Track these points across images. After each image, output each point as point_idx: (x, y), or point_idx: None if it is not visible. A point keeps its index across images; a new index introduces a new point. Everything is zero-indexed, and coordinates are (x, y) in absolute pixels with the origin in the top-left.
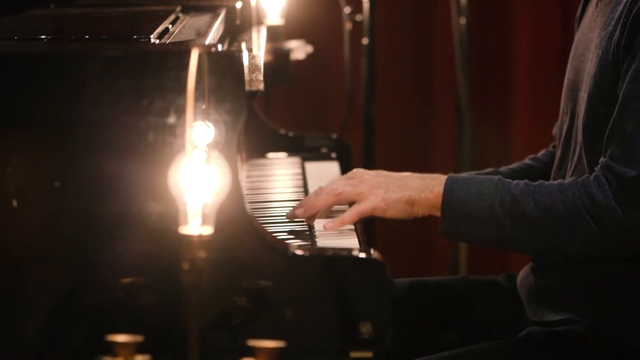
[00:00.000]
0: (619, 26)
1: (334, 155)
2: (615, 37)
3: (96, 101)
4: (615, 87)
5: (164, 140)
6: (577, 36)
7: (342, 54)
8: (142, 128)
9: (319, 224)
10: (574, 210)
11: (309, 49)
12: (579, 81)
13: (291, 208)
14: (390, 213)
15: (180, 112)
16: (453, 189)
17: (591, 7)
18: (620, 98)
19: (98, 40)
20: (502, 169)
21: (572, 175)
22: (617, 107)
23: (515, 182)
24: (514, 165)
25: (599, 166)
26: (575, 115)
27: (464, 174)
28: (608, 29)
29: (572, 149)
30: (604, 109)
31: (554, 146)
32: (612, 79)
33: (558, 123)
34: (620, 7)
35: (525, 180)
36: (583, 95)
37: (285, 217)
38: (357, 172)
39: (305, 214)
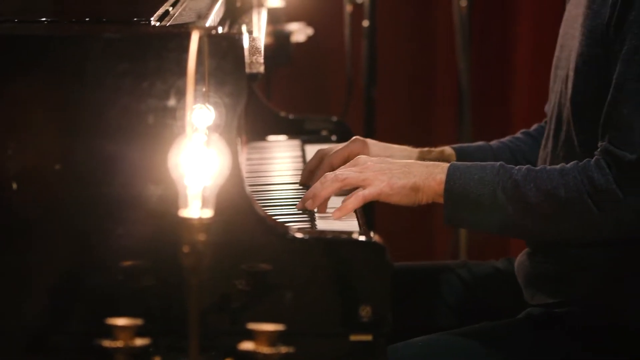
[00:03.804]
0: (609, 5)
1: (334, 137)
2: (605, 17)
3: (97, 83)
4: (604, 66)
5: (164, 122)
6: (565, 14)
7: (343, 36)
8: (142, 110)
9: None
10: (575, 194)
11: (310, 31)
12: (565, 59)
13: (291, 191)
14: (395, 198)
15: (181, 94)
16: (455, 176)
17: None
18: (614, 81)
19: (98, 22)
20: (493, 142)
21: (558, 154)
22: (611, 90)
23: (517, 167)
24: (505, 139)
25: (598, 150)
26: (562, 94)
27: (463, 163)
28: (594, 7)
29: (558, 128)
30: (593, 88)
31: (546, 122)
32: (603, 58)
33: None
34: None
35: (527, 165)
36: (570, 74)
37: (285, 201)
38: (361, 158)
39: (314, 205)
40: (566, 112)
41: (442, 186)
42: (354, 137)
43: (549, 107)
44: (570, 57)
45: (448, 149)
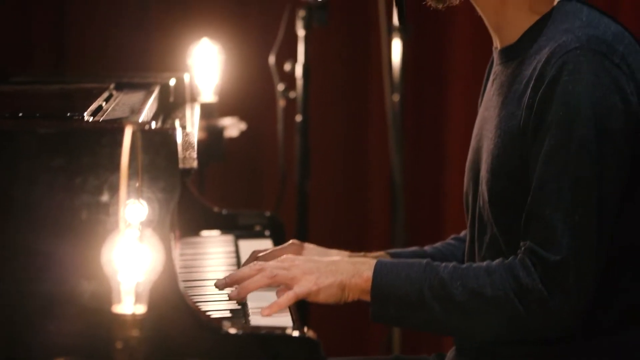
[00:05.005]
0: (524, 108)
1: (267, 232)
2: (520, 118)
3: (30, 178)
4: (520, 166)
5: (97, 218)
6: (478, 116)
7: (276, 131)
8: (75, 206)
9: (252, 302)
10: (501, 293)
11: (243, 126)
12: (478, 161)
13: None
14: (322, 297)
15: (114, 190)
16: (382, 273)
17: (489, 86)
18: (534, 181)
19: (32, 117)
20: (427, 248)
21: (484, 256)
22: (532, 190)
23: (444, 264)
24: (437, 245)
25: (522, 249)
26: (479, 196)
27: (391, 260)
28: (508, 109)
29: (482, 230)
30: (509, 188)
31: None
32: (519, 158)
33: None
34: (521, 87)
35: (454, 263)
36: (485, 175)
37: (219, 296)
38: (288, 257)
39: (238, 296)
40: (486, 214)
41: (369, 283)
42: (291, 241)
43: (466, 210)
44: (483, 159)
45: (383, 255)
